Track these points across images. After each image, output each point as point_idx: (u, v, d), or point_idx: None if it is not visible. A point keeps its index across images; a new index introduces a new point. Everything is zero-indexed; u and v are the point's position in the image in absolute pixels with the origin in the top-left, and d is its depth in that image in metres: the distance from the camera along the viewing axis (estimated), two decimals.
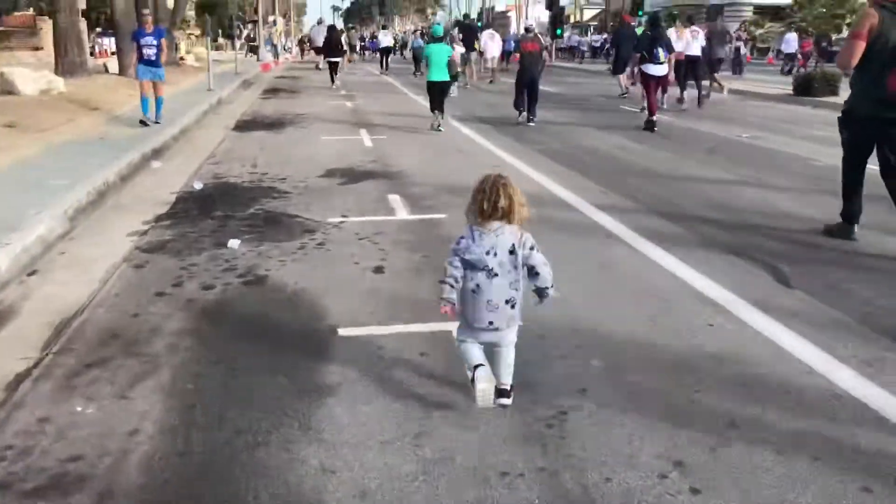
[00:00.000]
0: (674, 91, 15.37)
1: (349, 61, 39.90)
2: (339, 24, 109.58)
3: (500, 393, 3.05)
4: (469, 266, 2.98)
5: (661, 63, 12.24)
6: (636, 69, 13.08)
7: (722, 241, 5.74)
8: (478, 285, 2.97)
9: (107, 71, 20.20)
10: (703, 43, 16.02)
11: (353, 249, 5.54)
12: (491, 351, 3.11)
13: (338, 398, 3.26)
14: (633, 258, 5.36)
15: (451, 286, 3.00)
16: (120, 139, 10.10)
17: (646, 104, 12.71)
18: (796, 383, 3.41)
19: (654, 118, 12.32)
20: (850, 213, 5.88)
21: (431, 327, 3.92)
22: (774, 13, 51.00)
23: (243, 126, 13.15)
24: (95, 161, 8.19)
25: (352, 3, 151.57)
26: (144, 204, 7.02)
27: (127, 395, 3.30)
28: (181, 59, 28.31)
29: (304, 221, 6.41)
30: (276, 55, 45.00)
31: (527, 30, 15.62)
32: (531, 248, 2.97)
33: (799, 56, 28.85)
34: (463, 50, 21.07)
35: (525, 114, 13.27)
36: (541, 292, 3.06)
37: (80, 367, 3.56)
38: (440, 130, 12.30)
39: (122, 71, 19.23)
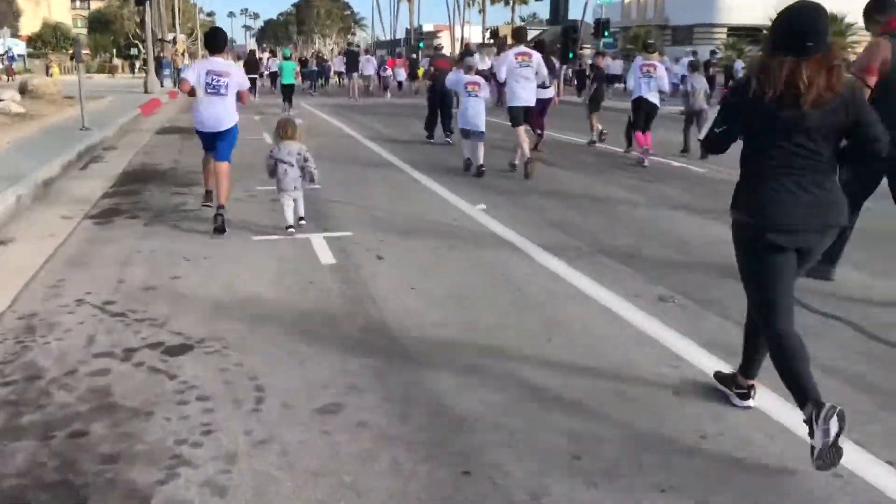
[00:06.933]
0: None
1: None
2: (252, 44, 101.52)
3: (299, 219, 6.81)
4: (278, 161, 6.63)
5: (547, 87, 12.35)
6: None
7: None
8: (285, 170, 6.62)
9: None
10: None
11: None
12: (293, 202, 6.79)
13: None
14: None
15: (272, 170, 6.70)
16: None
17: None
18: None
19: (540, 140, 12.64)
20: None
21: None
22: (751, 35, 44.66)
23: None
24: None
25: (265, 23, 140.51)
26: None
27: None
28: None
29: None
30: (175, 83, 35.63)
31: (436, 48, 17.76)
32: (307, 152, 6.72)
33: None
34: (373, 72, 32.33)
35: (431, 134, 14.24)
36: (309, 174, 6.73)
37: None
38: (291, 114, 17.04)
39: None
